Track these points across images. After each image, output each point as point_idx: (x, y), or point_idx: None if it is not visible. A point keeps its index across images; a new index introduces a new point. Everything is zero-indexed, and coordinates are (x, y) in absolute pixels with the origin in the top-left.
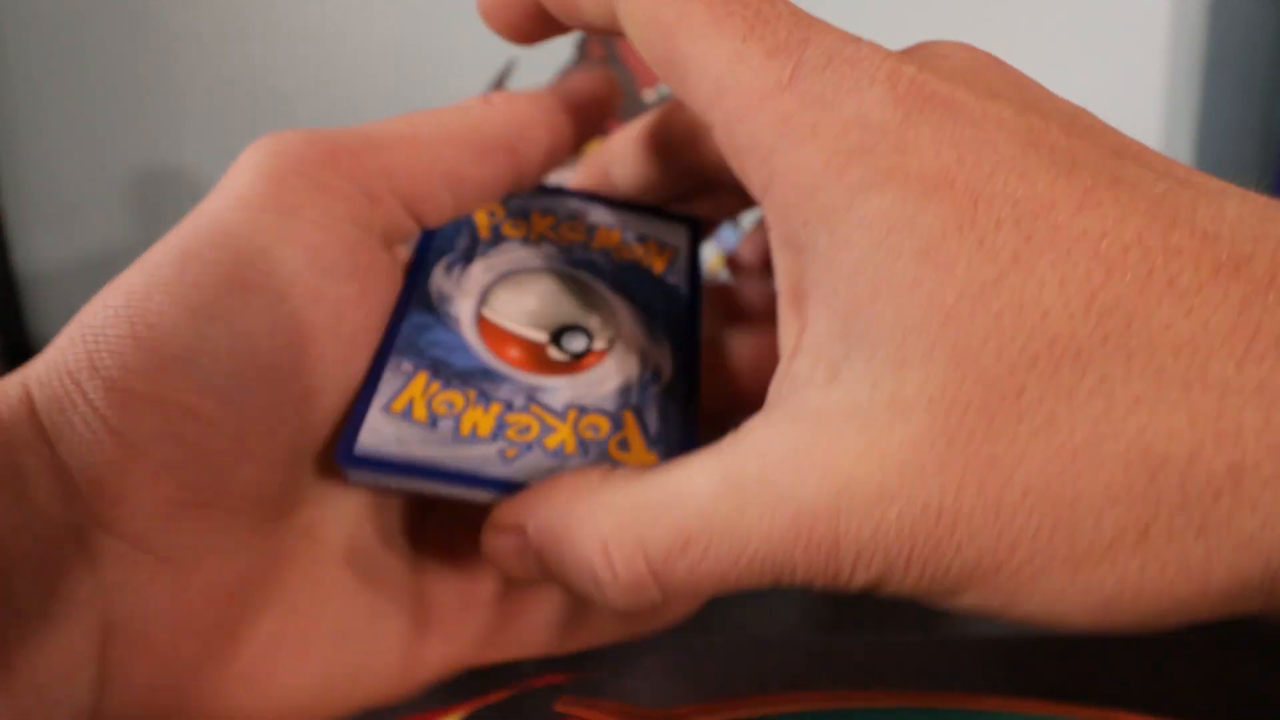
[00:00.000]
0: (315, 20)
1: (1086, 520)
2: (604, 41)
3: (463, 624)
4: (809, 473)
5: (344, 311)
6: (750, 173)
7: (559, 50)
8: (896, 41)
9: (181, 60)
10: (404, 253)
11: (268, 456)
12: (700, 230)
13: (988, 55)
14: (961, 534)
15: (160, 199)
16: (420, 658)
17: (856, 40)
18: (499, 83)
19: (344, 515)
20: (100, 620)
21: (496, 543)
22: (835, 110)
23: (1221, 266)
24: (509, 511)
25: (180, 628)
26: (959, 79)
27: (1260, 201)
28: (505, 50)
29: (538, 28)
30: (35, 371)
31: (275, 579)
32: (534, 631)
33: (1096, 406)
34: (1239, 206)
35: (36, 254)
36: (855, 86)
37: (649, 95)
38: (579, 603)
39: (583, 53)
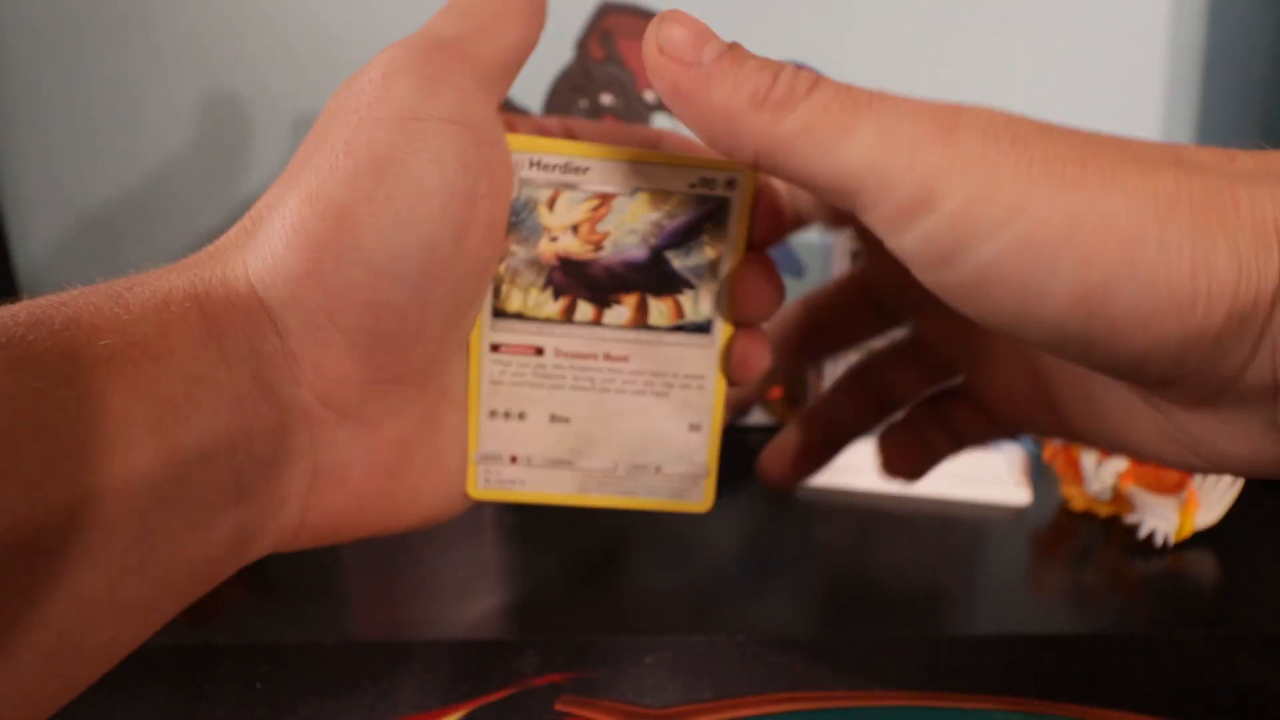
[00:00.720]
0: (316, 21)
1: (1169, 231)
2: (604, 42)
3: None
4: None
5: (478, 204)
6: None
7: (559, 51)
8: (897, 41)
9: (182, 62)
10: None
11: (435, 337)
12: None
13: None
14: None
15: (161, 199)
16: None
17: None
18: None
19: (461, 371)
20: (310, 466)
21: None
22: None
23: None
24: (692, 40)
25: (367, 470)
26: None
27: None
28: None
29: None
30: (259, 275)
31: (425, 428)
32: None
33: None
34: (1269, 193)
35: (36, 253)
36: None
37: (649, 96)
38: None
39: (583, 52)
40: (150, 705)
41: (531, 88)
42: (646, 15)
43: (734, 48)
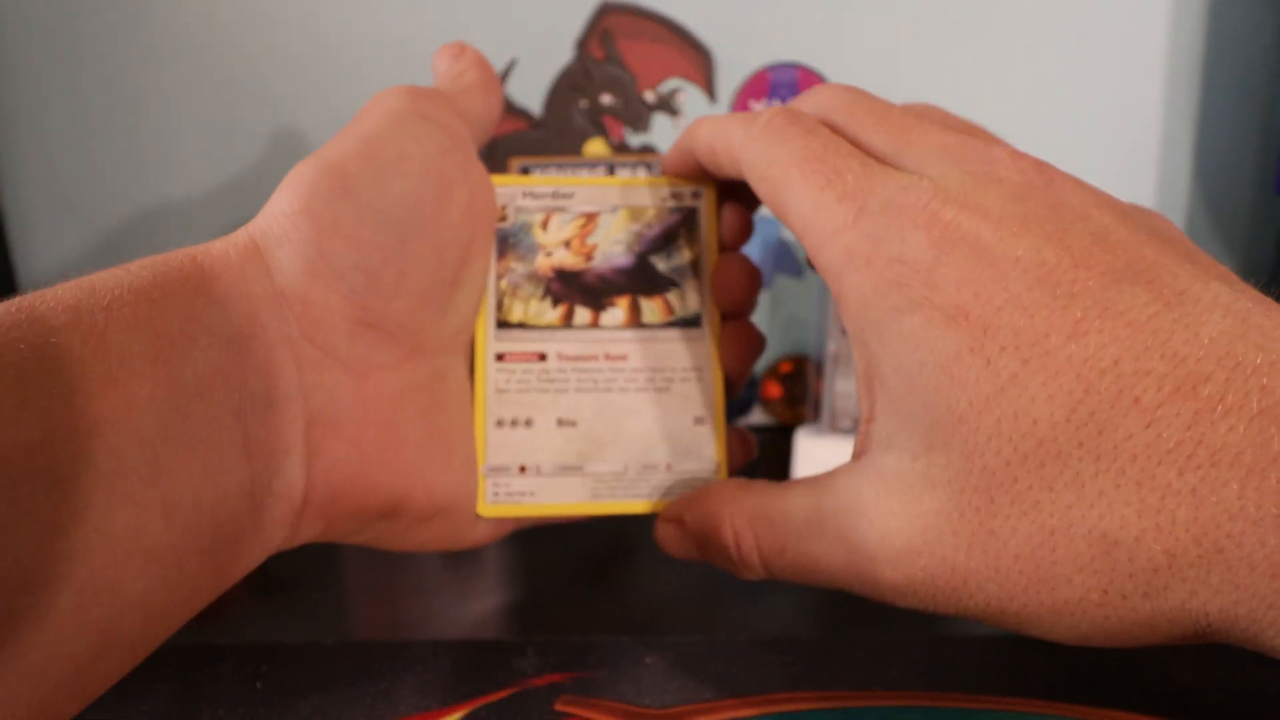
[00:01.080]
0: (316, 21)
1: (1061, 581)
2: (604, 42)
3: None
4: (863, 520)
5: (454, 188)
6: (829, 285)
7: (559, 51)
8: (895, 41)
9: (183, 63)
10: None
11: (417, 293)
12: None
13: (1043, 175)
14: (972, 586)
15: (161, 200)
16: None
17: (910, 186)
18: (500, 80)
19: (461, 376)
20: (305, 409)
21: (665, 530)
22: (884, 247)
23: (1180, 386)
24: (673, 508)
25: (361, 419)
26: (995, 212)
27: (1242, 314)
28: (505, 50)
29: (703, 173)
30: (256, 223)
31: (423, 400)
32: None
33: (1070, 496)
34: (1218, 325)
35: (36, 254)
36: (900, 230)
37: (649, 96)
38: None
39: (583, 52)
40: (150, 705)
41: (531, 88)
42: (646, 15)
43: None
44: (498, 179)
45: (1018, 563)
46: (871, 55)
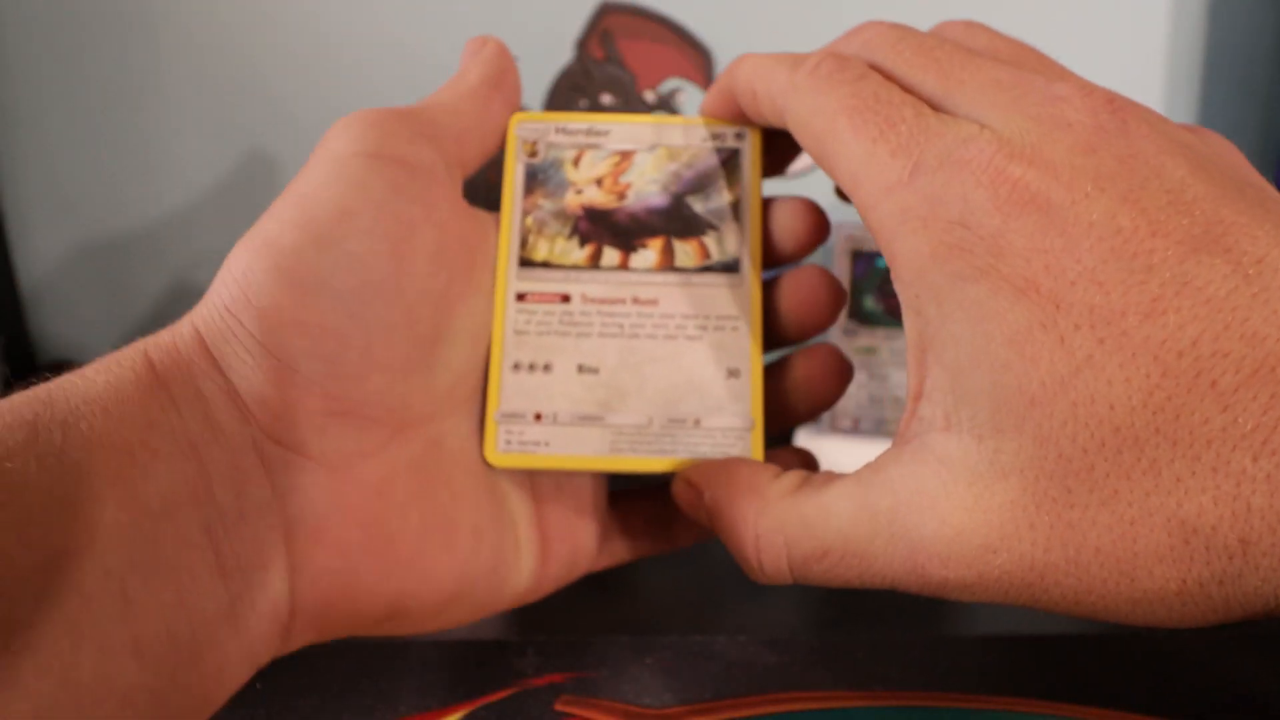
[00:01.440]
0: (316, 22)
1: (1141, 573)
2: (604, 42)
3: (580, 530)
4: (929, 516)
5: (416, 229)
6: (881, 247)
7: (559, 51)
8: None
9: (183, 62)
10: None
11: (390, 366)
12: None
13: (1115, 116)
14: (1049, 581)
15: (161, 200)
16: (547, 560)
17: (970, 138)
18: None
19: (464, 433)
20: (282, 516)
21: (683, 491)
22: (944, 208)
23: (1259, 369)
24: (695, 473)
25: (344, 520)
26: (1066, 167)
27: None
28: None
29: (744, 117)
30: (199, 313)
31: (415, 480)
32: (645, 534)
33: (1148, 483)
34: None
35: (36, 254)
36: (962, 190)
37: (649, 96)
38: (675, 510)
39: (583, 52)
40: None
41: (531, 88)
42: (646, 15)
43: None
44: (528, 116)
45: (1098, 556)
46: None
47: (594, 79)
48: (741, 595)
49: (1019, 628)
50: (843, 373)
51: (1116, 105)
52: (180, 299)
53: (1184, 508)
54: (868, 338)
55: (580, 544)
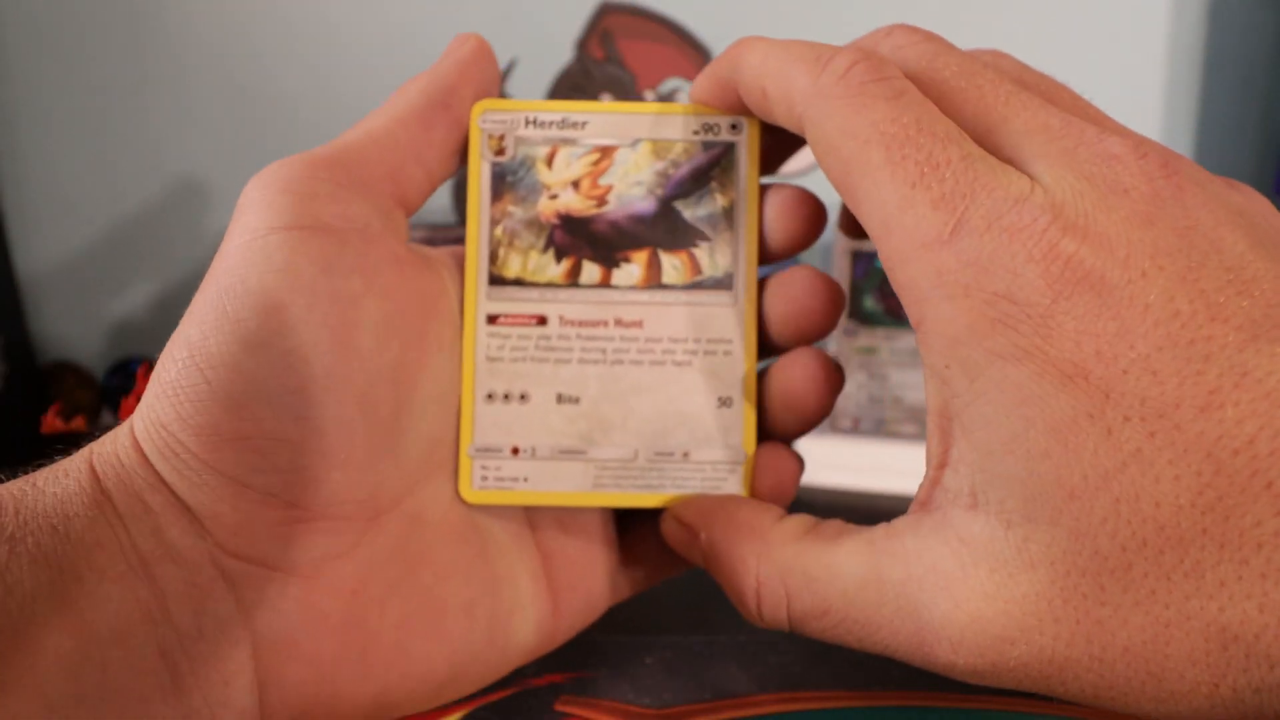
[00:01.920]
0: (317, 21)
1: (1171, 675)
2: (604, 42)
3: (592, 569)
4: (942, 597)
5: (359, 303)
6: (906, 305)
7: (559, 51)
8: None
9: (183, 60)
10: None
11: (351, 461)
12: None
13: (1170, 180)
14: (1068, 675)
15: (161, 199)
16: (559, 613)
17: (1022, 200)
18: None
19: (446, 499)
20: (247, 631)
21: (674, 531)
22: (988, 278)
23: None
24: (690, 513)
25: (317, 629)
26: (1123, 242)
27: None
28: (505, 50)
29: (744, 108)
30: (137, 424)
31: (394, 570)
32: (663, 560)
33: (1189, 586)
34: None
35: (36, 254)
36: (1011, 260)
37: (649, 96)
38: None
39: (583, 52)
40: None
41: (532, 88)
42: (646, 15)
43: None
44: (495, 103)
45: (1125, 655)
46: None
47: (594, 79)
48: None
49: None
50: (829, 381)
51: (1171, 169)
52: (180, 300)
53: (1226, 613)
54: (868, 338)
55: (594, 589)
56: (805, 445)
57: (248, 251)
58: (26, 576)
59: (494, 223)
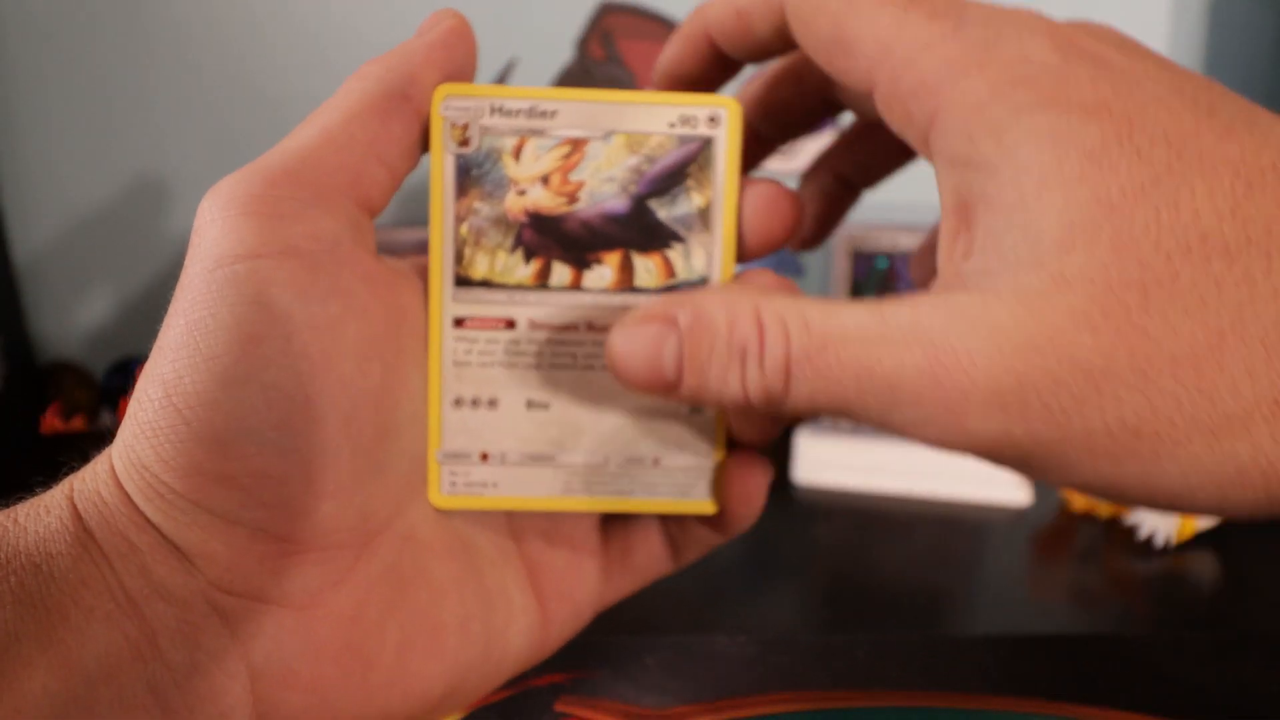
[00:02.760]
0: (315, 21)
1: (1226, 390)
2: (604, 43)
3: (578, 577)
4: (958, 322)
5: (338, 329)
6: (915, 113)
7: (559, 50)
8: None
9: (183, 60)
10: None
11: (340, 489)
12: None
13: (1129, 37)
14: (1108, 394)
15: (161, 199)
16: (546, 620)
17: (1013, 6)
18: (500, 82)
19: (434, 514)
20: (244, 664)
21: (635, 335)
22: (999, 50)
23: None
24: (661, 304)
25: (317, 658)
26: (1105, 44)
27: None
28: (504, 51)
29: (720, 72)
30: (117, 465)
31: (390, 592)
32: (647, 564)
33: (1242, 294)
34: None
35: (37, 253)
36: (1017, 33)
37: None
38: (677, 524)
39: (583, 52)
40: None
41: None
42: (646, 15)
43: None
44: (457, 88)
45: (1173, 366)
46: None
47: (594, 79)
48: (741, 595)
49: (1019, 628)
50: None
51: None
52: None
53: None
54: None
55: (581, 597)
56: (805, 445)
57: (214, 282)
58: (10, 616)
59: (459, 219)
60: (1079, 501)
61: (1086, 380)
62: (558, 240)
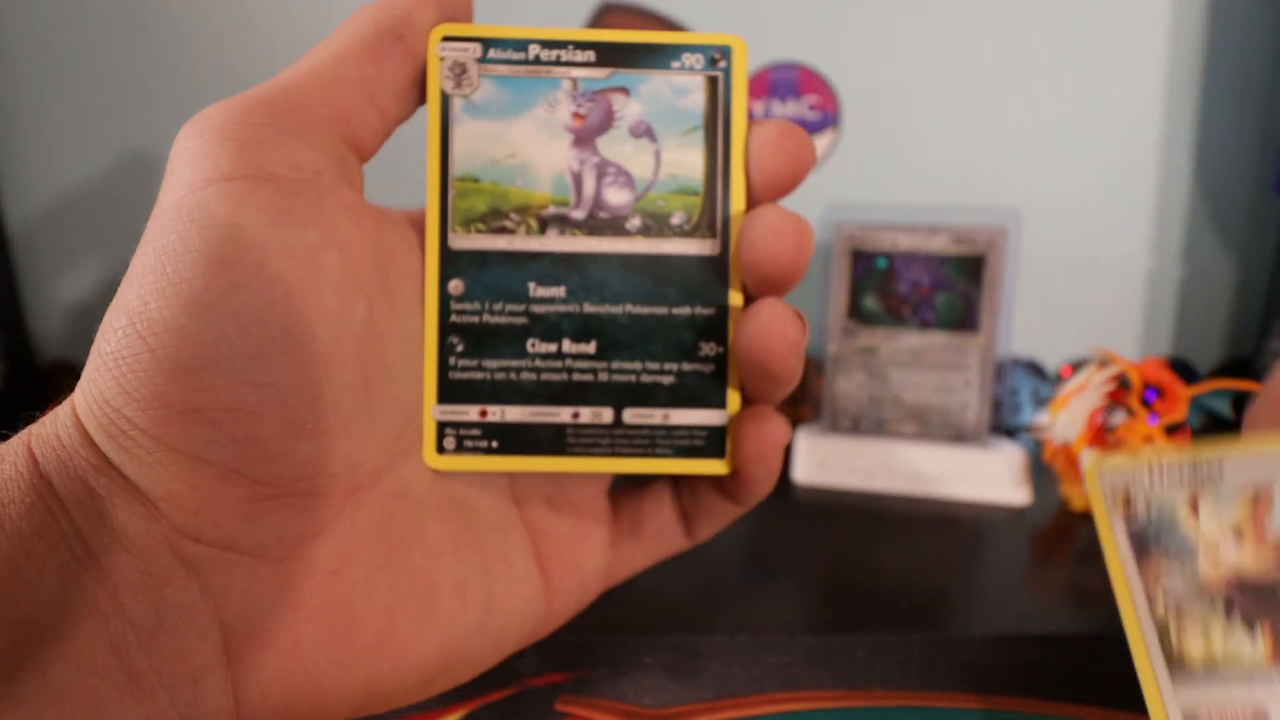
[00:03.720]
0: (316, 23)
1: None
2: None
3: (585, 545)
4: None
5: (317, 258)
6: None
7: None
8: (897, 41)
9: (188, 60)
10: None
11: (321, 429)
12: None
13: None
14: None
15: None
16: (550, 591)
17: None
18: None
19: (429, 474)
20: (215, 621)
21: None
22: None
23: None
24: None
25: (295, 615)
26: None
27: None
28: None
29: None
30: (78, 403)
31: (379, 548)
32: (659, 536)
33: None
34: None
35: (37, 253)
36: None
37: None
38: (690, 492)
39: None
40: None
41: None
42: (647, 15)
43: None
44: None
45: None
46: (872, 56)
47: None
48: (741, 595)
49: (1019, 628)
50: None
51: None
52: None
53: None
54: (868, 338)
55: (587, 567)
56: (806, 445)
57: (184, 207)
58: None
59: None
60: (1079, 501)
61: None
62: None
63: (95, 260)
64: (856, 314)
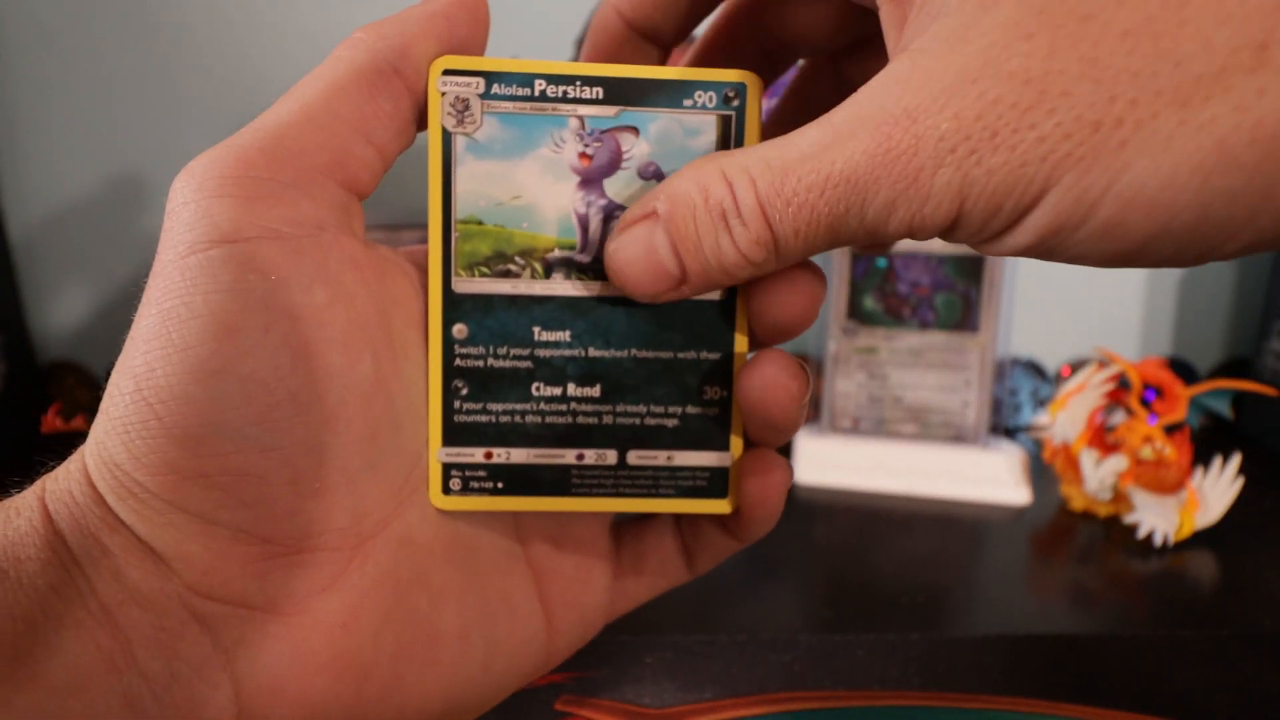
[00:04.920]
0: (316, 21)
1: (1194, 46)
2: None
3: (588, 583)
4: (892, 89)
5: (323, 317)
6: None
7: (559, 50)
8: None
9: (189, 59)
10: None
11: (327, 487)
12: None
13: None
14: (1056, 93)
15: (163, 201)
16: (552, 631)
17: None
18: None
19: (435, 516)
20: (227, 674)
21: (625, 240)
22: None
23: None
24: (636, 208)
25: (305, 667)
26: None
27: None
28: (505, 50)
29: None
30: (89, 463)
31: (386, 598)
32: (661, 570)
33: None
34: None
35: (37, 253)
36: None
37: None
38: (691, 528)
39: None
40: None
41: None
42: None
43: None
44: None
45: (1126, 41)
46: None
47: None
48: (741, 595)
49: (1019, 628)
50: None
51: None
52: None
53: None
54: (868, 338)
55: (590, 605)
56: (806, 445)
57: (188, 270)
58: None
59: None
60: (1078, 500)
61: (1027, 87)
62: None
63: (95, 261)
64: (856, 314)
